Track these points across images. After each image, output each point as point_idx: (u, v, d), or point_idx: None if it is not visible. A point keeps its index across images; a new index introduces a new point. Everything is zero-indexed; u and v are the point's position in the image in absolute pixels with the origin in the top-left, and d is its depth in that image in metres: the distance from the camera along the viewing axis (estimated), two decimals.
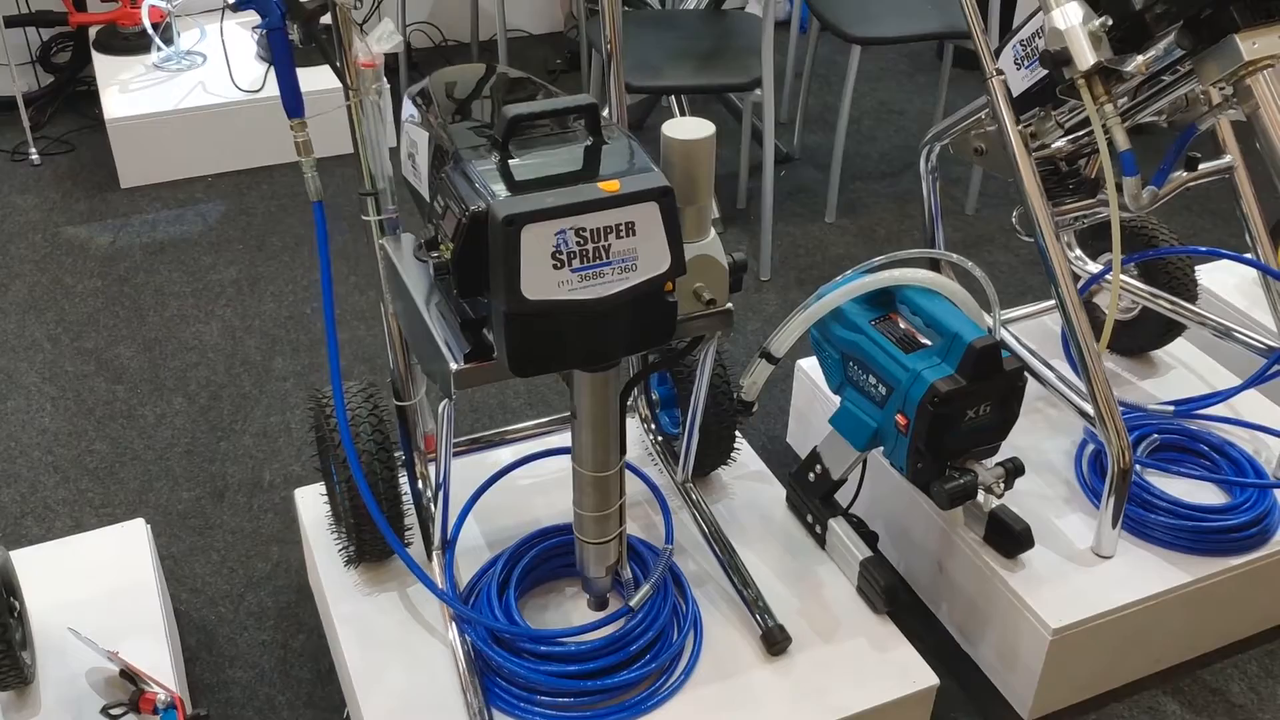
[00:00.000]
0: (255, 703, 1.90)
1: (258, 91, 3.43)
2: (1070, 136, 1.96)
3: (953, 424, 1.67)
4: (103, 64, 3.58)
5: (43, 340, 2.75)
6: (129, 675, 1.60)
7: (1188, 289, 2.26)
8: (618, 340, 1.36)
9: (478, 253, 1.28)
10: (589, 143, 1.38)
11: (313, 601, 2.08)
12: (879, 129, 3.83)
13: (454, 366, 1.42)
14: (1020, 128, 1.84)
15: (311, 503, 1.99)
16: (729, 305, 1.54)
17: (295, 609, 2.08)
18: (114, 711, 1.58)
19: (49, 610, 1.75)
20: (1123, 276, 2.16)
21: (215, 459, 2.41)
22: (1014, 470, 1.75)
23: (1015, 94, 1.90)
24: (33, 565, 1.80)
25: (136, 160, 3.36)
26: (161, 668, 1.67)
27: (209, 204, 3.31)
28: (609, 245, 1.29)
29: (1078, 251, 2.26)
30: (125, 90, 3.45)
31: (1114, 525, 1.87)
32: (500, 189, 1.28)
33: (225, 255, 3.08)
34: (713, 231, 1.52)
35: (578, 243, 1.27)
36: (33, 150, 3.47)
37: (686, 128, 1.45)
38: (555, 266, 1.27)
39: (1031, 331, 2.39)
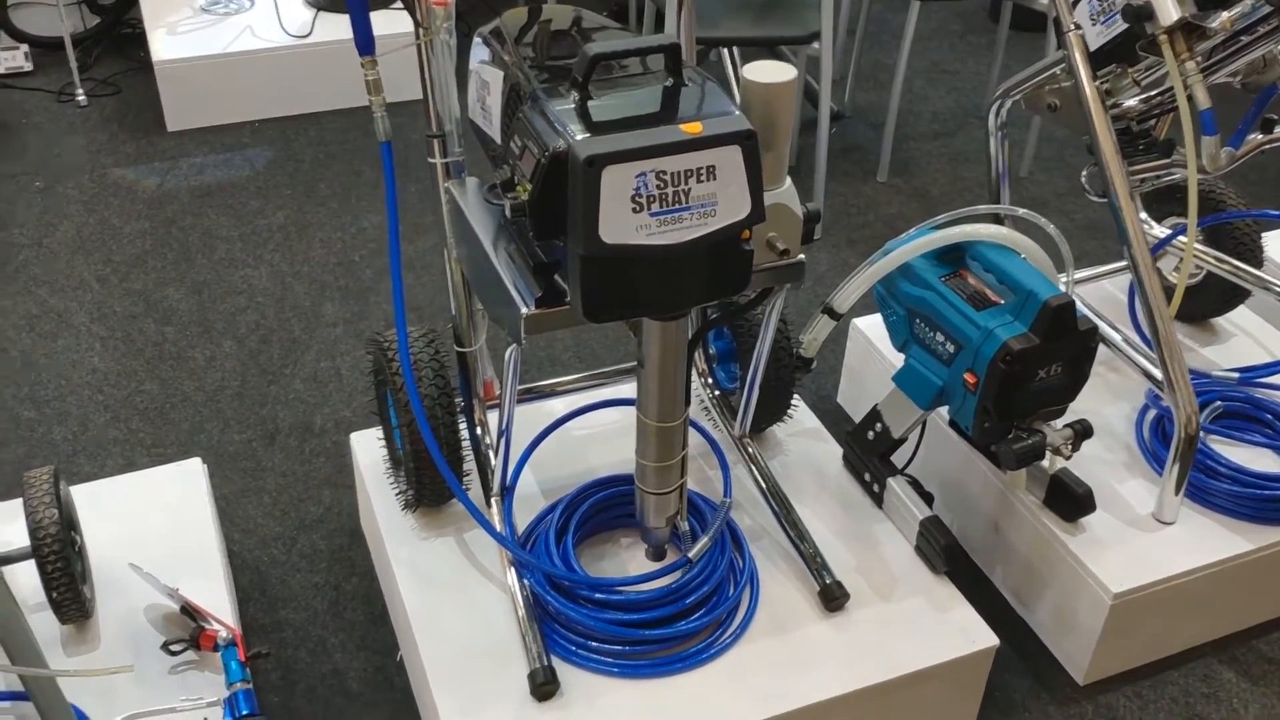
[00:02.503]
0: (308, 644, 1.91)
1: (305, 37, 3.41)
2: (1143, 95, 1.91)
3: (1023, 383, 1.65)
4: (149, 5, 3.56)
5: (91, 280, 2.75)
6: (189, 612, 1.60)
7: (1254, 255, 2.22)
8: (692, 288, 1.34)
9: (557, 194, 1.26)
10: (669, 84, 1.36)
11: (365, 545, 2.08)
12: (931, 89, 3.77)
13: (524, 311, 1.41)
14: (1096, 84, 1.80)
15: (368, 447, 1.98)
16: (801, 256, 1.52)
17: (347, 552, 2.08)
18: (174, 648, 1.58)
19: (107, 546, 1.76)
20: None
21: (266, 402, 2.42)
22: (1082, 432, 1.72)
23: (1090, 50, 1.85)
24: (92, 500, 1.81)
25: (183, 103, 3.34)
26: (220, 605, 1.68)
27: (256, 149, 3.30)
28: (689, 189, 1.27)
29: (1143, 214, 2.22)
30: (172, 33, 3.43)
31: (1177, 491, 1.84)
32: (580, 129, 1.26)
33: (273, 200, 3.07)
34: (788, 180, 1.50)
35: (658, 186, 1.25)
36: (80, 91, 3.46)
37: (768, 71, 1.42)
38: (634, 210, 1.25)
39: (1091, 295, 2.35)
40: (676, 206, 1.27)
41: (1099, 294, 2.35)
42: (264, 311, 2.67)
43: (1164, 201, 2.26)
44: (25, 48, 3.60)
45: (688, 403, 1.56)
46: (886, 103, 3.18)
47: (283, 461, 2.27)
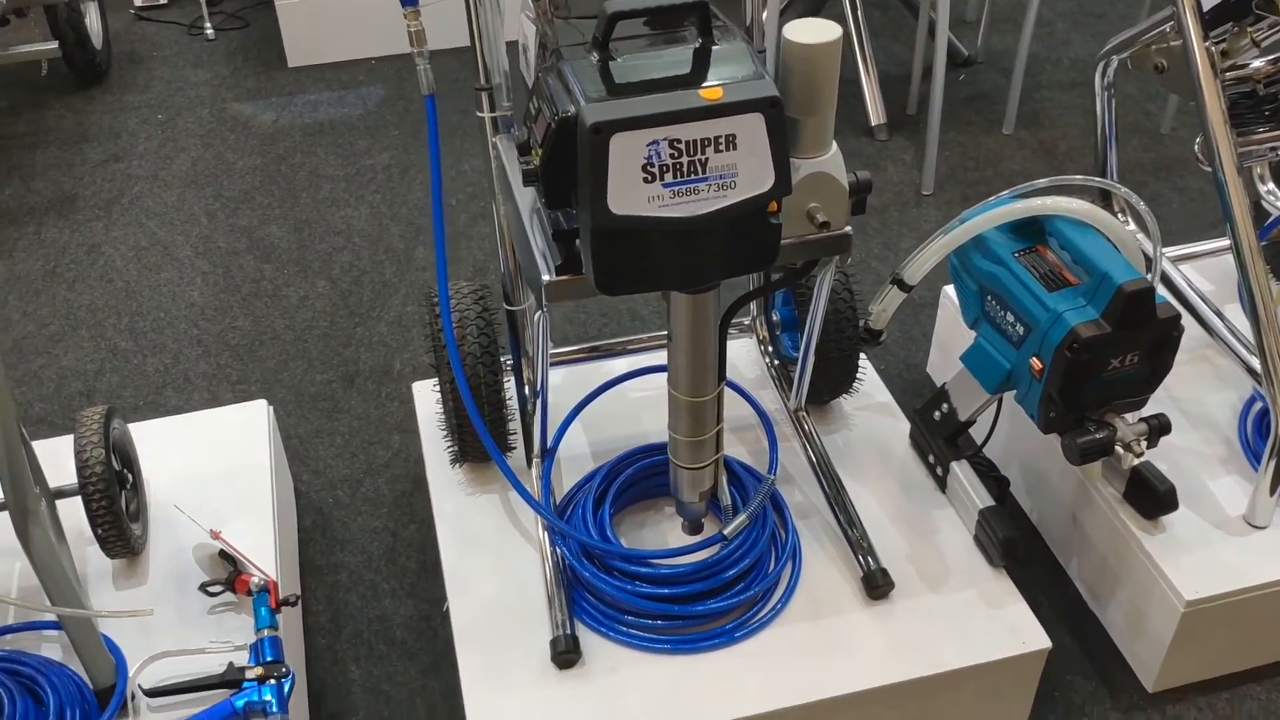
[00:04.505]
0: (360, 588, 1.94)
1: None
2: (1271, 56, 1.73)
3: (1093, 373, 1.52)
4: None
5: (200, 215, 2.83)
6: (227, 555, 1.64)
7: None
8: (713, 262, 1.27)
9: (566, 161, 1.21)
10: (698, 45, 1.28)
11: (427, 493, 2.09)
12: (1074, 33, 3.53)
13: (546, 278, 1.36)
14: (1208, 44, 1.63)
15: (427, 397, 1.99)
16: (847, 229, 1.43)
17: (409, 499, 2.10)
18: (212, 589, 1.62)
19: (165, 484, 1.81)
20: None
21: (350, 344, 2.45)
22: (1159, 428, 1.58)
23: (1208, 6, 1.68)
24: (155, 439, 1.86)
25: (303, 39, 3.39)
26: (264, 549, 1.70)
27: (370, 87, 3.32)
28: (706, 159, 1.19)
29: (1270, 185, 2.02)
30: None
31: (1272, 493, 1.69)
32: (593, 93, 1.19)
33: (380, 140, 3.09)
34: (834, 146, 1.40)
35: (671, 155, 1.18)
36: (208, 25, 3.54)
37: (810, 30, 1.32)
38: (646, 180, 1.18)
39: (1212, 270, 2.17)
40: (692, 177, 1.20)
41: (1218, 270, 2.16)
42: (359, 252, 2.70)
43: None
44: None
45: (722, 376, 1.50)
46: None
47: (359, 404, 2.30)
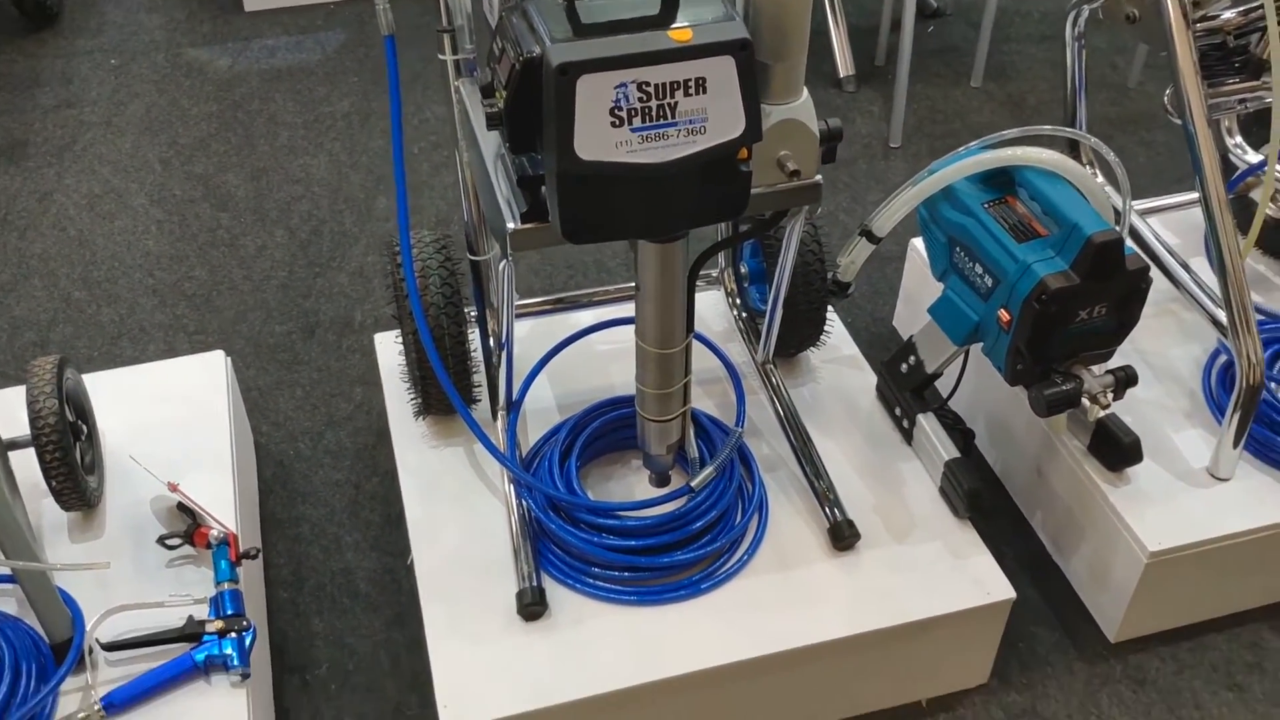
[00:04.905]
0: (322, 541, 1.92)
1: None
2: (1242, 8, 1.72)
3: (1061, 325, 1.52)
4: None
5: (154, 162, 2.76)
6: (185, 508, 1.61)
7: None
8: (682, 210, 1.25)
9: (531, 104, 1.18)
10: None
11: (390, 446, 2.06)
12: None
13: (510, 226, 1.33)
14: None
15: (390, 348, 1.96)
16: (818, 178, 1.41)
17: (372, 452, 2.07)
18: (171, 542, 1.59)
19: (122, 436, 1.77)
20: None
21: (310, 295, 2.41)
22: (1125, 380, 1.59)
23: None
24: (110, 390, 1.82)
25: None
26: (223, 502, 1.67)
27: (329, 32, 3.25)
28: (675, 103, 1.17)
29: (1238, 139, 2.02)
30: None
31: (1235, 445, 1.70)
32: (559, 33, 1.16)
33: (340, 87, 3.03)
34: (805, 93, 1.38)
35: (640, 99, 1.15)
36: None
37: None
38: (614, 124, 1.15)
39: (1177, 223, 2.17)
40: (661, 122, 1.17)
41: (1184, 222, 2.16)
42: (318, 202, 2.65)
43: (1264, 125, 2.04)
44: None
45: (690, 328, 1.48)
46: None
47: (319, 356, 2.27)
